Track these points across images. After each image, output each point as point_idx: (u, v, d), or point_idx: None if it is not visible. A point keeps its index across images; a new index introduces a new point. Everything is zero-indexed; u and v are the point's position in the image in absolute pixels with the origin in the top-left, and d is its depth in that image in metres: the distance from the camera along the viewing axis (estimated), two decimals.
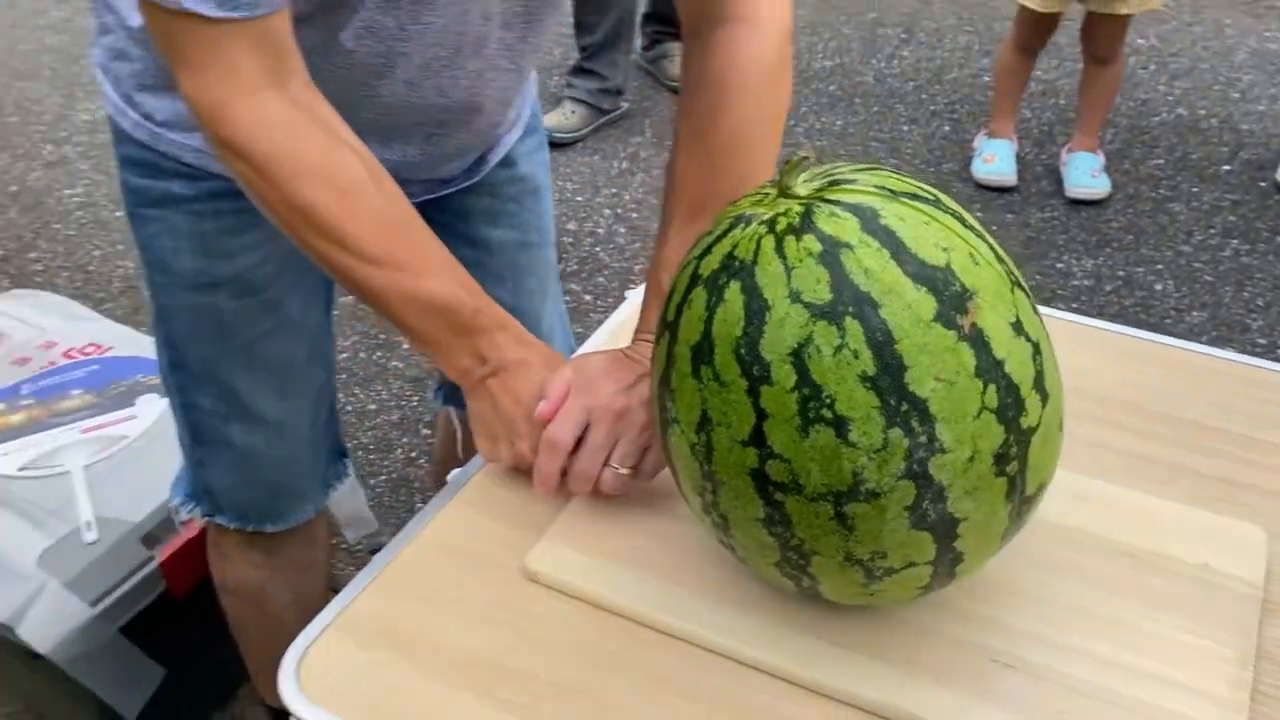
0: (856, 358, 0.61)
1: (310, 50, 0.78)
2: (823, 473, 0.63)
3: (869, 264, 0.62)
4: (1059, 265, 2.42)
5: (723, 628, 0.77)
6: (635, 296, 1.13)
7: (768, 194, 0.68)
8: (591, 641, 0.78)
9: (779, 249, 0.64)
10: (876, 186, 0.67)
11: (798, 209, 0.65)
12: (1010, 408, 0.64)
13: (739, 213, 0.68)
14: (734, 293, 0.64)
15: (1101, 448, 0.92)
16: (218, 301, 1.00)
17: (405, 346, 2.28)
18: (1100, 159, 2.66)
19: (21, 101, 3.31)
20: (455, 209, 1.09)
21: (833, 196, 0.66)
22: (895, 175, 0.69)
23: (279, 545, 1.16)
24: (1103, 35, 2.52)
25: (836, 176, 0.68)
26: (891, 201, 0.65)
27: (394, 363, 2.24)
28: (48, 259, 2.60)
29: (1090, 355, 1.03)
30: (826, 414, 0.62)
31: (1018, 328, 0.65)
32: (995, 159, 2.68)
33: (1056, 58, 3.20)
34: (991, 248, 0.67)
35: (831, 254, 0.62)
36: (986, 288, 0.64)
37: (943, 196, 0.69)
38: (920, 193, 0.67)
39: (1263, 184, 2.65)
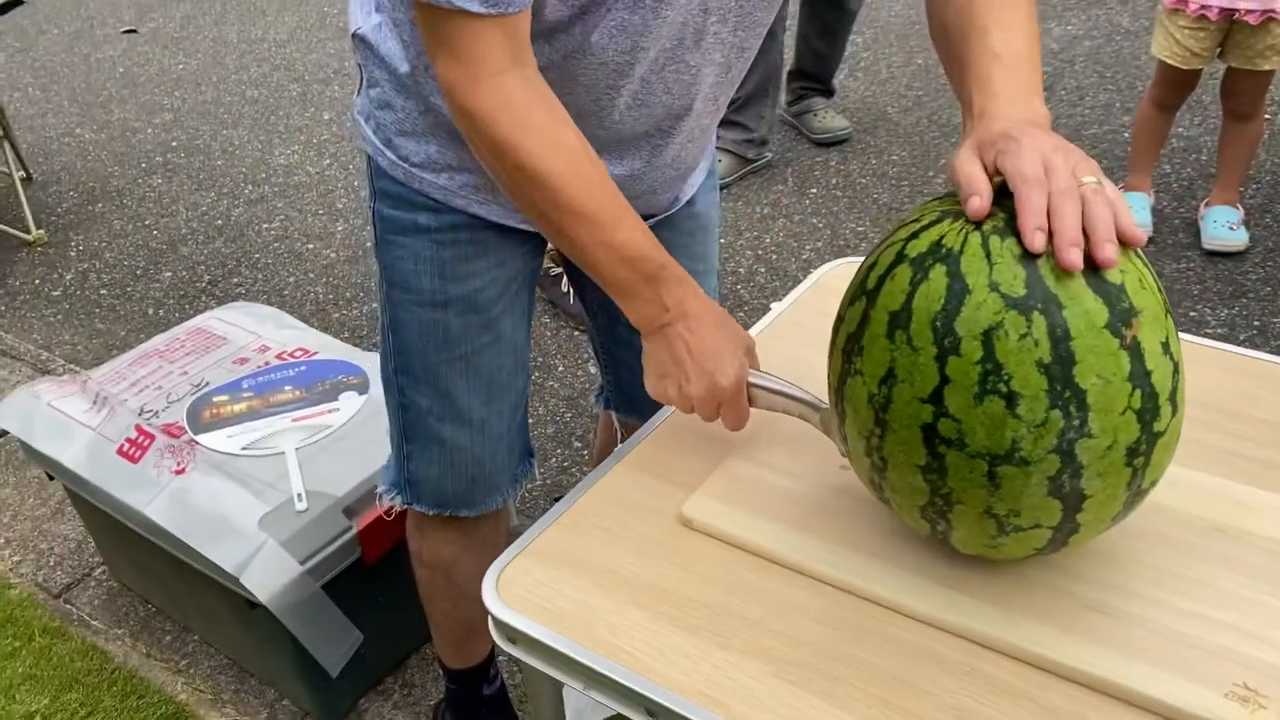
0: (1037, 345, 0.74)
1: (567, 54, 0.94)
2: (987, 435, 0.76)
3: (1060, 271, 0.75)
4: (1192, 314, 2.46)
5: (846, 567, 0.91)
6: (779, 306, 1.29)
7: None
8: (735, 575, 0.92)
9: (984, 245, 0.76)
10: None
11: (1003, 216, 0.78)
12: (1149, 412, 0.76)
13: (945, 208, 0.81)
14: (939, 274, 0.77)
15: (1200, 444, 1.02)
16: (447, 318, 1.16)
17: (561, 369, 2.48)
18: (1239, 213, 2.69)
19: (226, 147, 3.69)
20: None
21: None
22: None
23: (472, 527, 1.31)
24: (1243, 91, 2.57)
25: None
26: None
27: (550, 383, 2.44)
28: (248, 283, 2.92)
29: (1195, 368, 1.13)
30: (1002, 388, 0.74)
31: (1166, 348, 0.77)
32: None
33: (1200, 114, 3.23)
34: (1154, 278, 0.79)
35: (1029, 257, 0.75)
36: (1148, 309, 0.76)
37: None
38: None
39: None
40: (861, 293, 0.83)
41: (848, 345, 0.84)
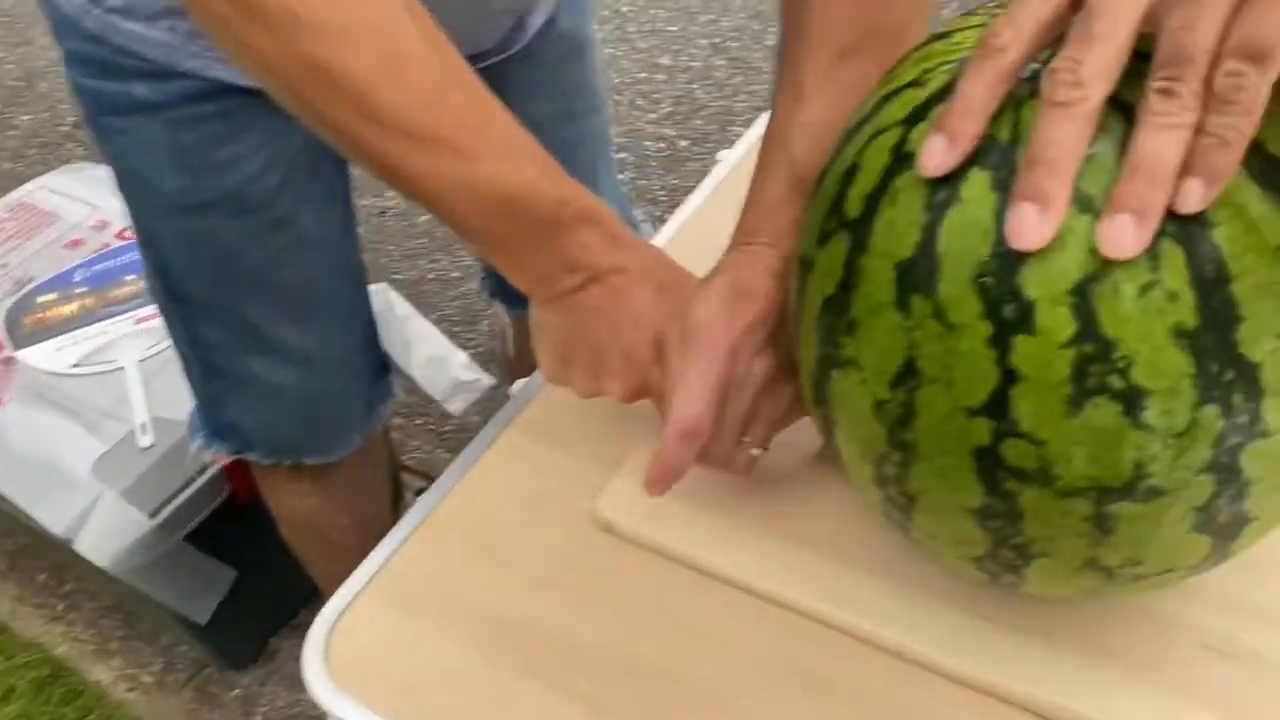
0: (1172, 301, 0.41)
1: None
2: (1091, 462, 0.43)
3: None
4: None
5: (850, 601, 0.60)
6: (728, 160, 0.94)
7: None
8: (679, 610, 0.63)
9: None
10: None
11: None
12: None
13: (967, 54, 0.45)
14: (978, 189, 0.43)
15: None
16: (212, 224, 0.83)
17: None
18: None
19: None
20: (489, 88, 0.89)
21: None
22: None
23: (327, 472, 1.03)
24: None
25: None
26: None
27: None
28: None
29: None
30: (1116, 382, 0.42)
31: None
32: None
33: None
34: None
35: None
36: None
37: None
38: None
39: None
40: (837, 222, 0.48)
41: (826, 314, 0.49)
